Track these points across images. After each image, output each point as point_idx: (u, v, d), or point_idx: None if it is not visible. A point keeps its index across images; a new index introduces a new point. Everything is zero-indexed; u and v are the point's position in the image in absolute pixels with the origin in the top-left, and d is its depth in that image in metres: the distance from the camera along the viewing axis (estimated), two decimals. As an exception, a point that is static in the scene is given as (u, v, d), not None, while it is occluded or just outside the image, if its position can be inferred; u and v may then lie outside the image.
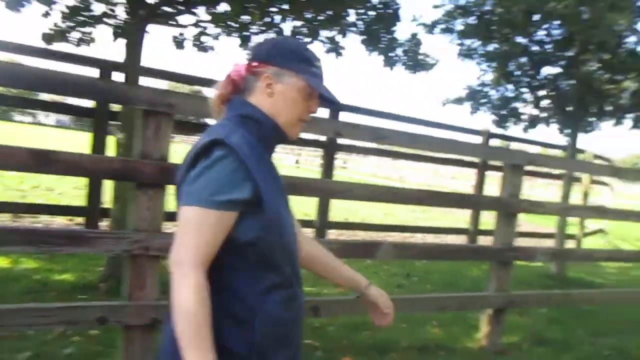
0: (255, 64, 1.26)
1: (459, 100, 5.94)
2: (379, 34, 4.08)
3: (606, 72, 5.40)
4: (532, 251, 3.78)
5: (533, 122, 5.95)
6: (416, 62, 4.29)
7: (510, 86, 5.90)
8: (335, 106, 1.34)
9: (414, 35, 4.20)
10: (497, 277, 3.65)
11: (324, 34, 4.35)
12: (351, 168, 28.12)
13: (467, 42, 5.75)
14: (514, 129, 6.21)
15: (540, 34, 5.31)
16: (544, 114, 5.86)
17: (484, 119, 43.99)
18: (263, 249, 1.17)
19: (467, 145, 3.39)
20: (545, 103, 5.77)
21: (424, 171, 24.18)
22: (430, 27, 5.65)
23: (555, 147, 8.63)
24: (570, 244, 7.99)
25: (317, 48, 5.85)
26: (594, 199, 13.35)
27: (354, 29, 4.26)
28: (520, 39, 5.22)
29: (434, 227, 8.17)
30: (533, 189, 19.77)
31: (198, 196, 1.11)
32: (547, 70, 5.75)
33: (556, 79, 5.59)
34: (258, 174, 1.15)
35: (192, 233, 1.10)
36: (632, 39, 5.62)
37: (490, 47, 5.51)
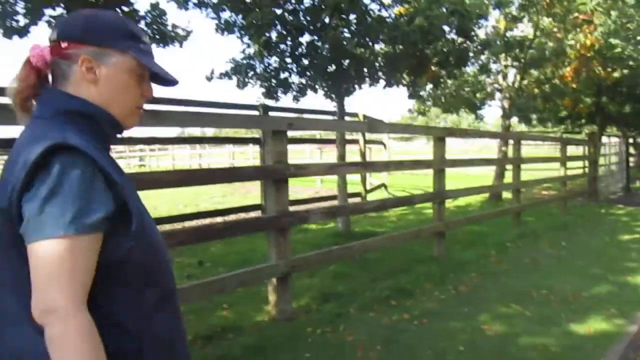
0: (65, 44, 1.01)
1: (225, 75, 5.80)
2: (111, 5, 3.63)
3: (356, 37, 5.80)
4: (305, 214, 3.83)
5: (301, 90, 6.13)
6: (164, 35, 3.97)
7: (275, 57, 5.97)
8: (174, 85, 1.15)
9: (155, 6, 3.86)
10: (276, 245, 3.62)
11: (49, 12, 3.73)
12: (150, 165, 26.54)
13: (224, 15, 5.63)
14: (287, 100, 6.33)
15: (293, 1, 5.44)
16: (310, 82, 6.07)
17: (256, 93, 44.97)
18: (138, 263, 0.98)
19: (221, 117, 3.22)
20: (309, 71, 5.96)
21: (225, 155, 23.98)
22: (183, 2, 5.35)
23: (331, 114, 9.16)
24: (357, 201, 8.63)
25: (42, 31, 5.09)
26: (375, 158, 14.73)
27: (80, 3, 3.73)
28: (274, 9, 5.26)
29: (234, 208, 8.05)
30: (325, 155, 21.02)
31: (57, 223, 0.86)
32: (307, 39, 5.96)
33: (315, 46, 5.81)
34: (117, 178, 0.95)
35: (63, 269, 0.86)
36: (374, 6, 6.15)
37: (248, 19, 5.45)
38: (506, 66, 10.16)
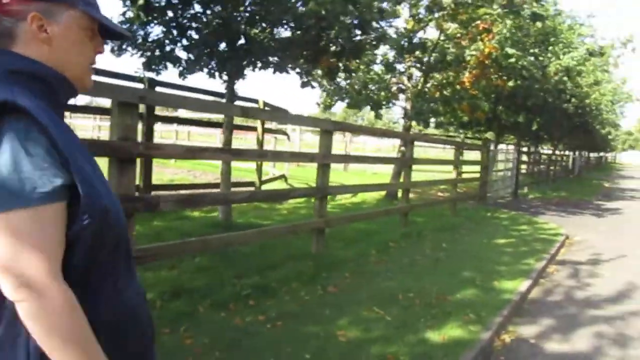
0: (7, 0, 0.90)
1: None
2: None
3: (246, 16, 5.41)
4: (154, 200, 3.40)
5: (189, 66, 5.62)
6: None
7: (161, 27, 5.43)
8: (125, 39, 1.05)
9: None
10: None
11: None
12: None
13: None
14: (173, 76, 5.79)
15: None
16: (199, 57, 5.58)
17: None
18: (94, 234, 0.89)
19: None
20: (198, 45, 5.48)
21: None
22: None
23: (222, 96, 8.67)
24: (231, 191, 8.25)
25: None
26: (280, 148, 14.44)
27: None
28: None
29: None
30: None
31: (17, 194, 0.81)
32: (197, 9, 5.46)
33: (202, 20, 5.35)
34: (66, 146, 0.86)
35: (32, 241, 0.82)
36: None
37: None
38: (409, 67, 10.25)
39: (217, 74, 5.87)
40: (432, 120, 10.56)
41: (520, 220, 9.53)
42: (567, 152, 30.17)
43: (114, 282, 0.97)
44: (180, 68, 5.67)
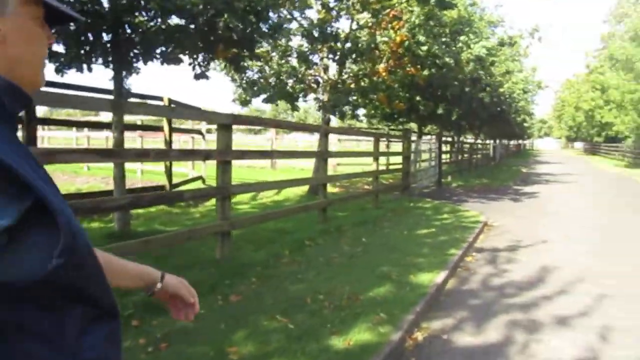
0: None
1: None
2: None
3: (134, 6, 4.88)
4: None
5: (65, 60, 5.00)
6: None
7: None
8: (79, 23, 0.61)
9: None
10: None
11: None
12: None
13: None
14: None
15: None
16: (73, 50, 4.97)
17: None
18: (64, 280, 0.70)
19: None
20: (72, 36, 4.88)
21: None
22: None
23: (153, 98, 8.08)
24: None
25: None
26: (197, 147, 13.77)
27: None
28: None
29: None
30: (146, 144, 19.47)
31: None
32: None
33: (80, 6, 4.76)
34: (27, 174, 0.66)
35: None
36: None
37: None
38: (322, 58, 10.00)
39: (98, 67, 5.27)
40: (349, 112, 10.35)
41: (442, 210, 9.52)
42: (488, 141, 31.41)
43: (73, 333, 0.75)
44: (57, 64, 5.04)
